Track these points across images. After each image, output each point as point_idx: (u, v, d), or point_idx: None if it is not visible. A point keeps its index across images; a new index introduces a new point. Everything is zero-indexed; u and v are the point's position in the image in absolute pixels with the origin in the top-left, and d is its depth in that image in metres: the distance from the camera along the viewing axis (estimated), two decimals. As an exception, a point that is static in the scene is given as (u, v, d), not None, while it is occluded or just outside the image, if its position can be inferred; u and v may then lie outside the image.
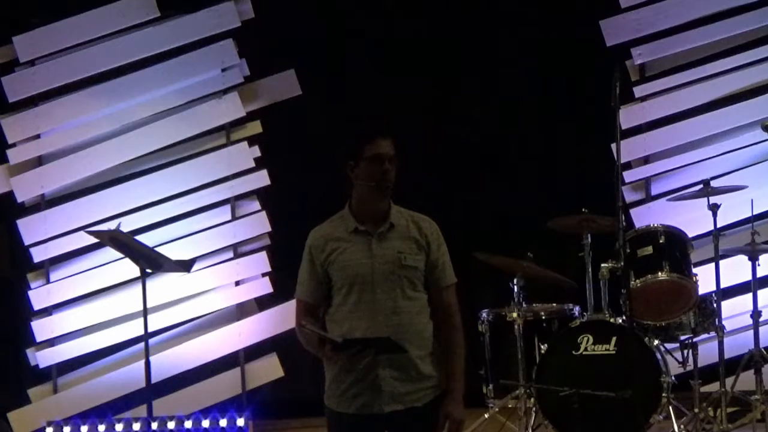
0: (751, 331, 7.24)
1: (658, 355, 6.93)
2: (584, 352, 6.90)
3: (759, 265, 7.21)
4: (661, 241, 7.13)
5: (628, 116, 8.20)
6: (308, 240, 4.62)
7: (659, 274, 7.06)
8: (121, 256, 7.43)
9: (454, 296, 4.61)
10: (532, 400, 7.04)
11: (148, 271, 7.09)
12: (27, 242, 8.39)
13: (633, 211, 8.22)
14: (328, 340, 4.42)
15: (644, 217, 8.14)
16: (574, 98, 8.51)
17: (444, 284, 4.59)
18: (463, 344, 4.58)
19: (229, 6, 8.41)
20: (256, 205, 8.46)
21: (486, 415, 7.26)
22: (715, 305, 7.21)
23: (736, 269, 7.62)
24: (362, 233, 4.53)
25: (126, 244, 7.08)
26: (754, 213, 7.32)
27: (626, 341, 6.67)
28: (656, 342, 7.05)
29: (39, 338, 8.36)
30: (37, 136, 8.48)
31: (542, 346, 7.05)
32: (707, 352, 7.52)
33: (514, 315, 7.19)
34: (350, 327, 4.49)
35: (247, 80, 8.49)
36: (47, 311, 8.38)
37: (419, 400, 4.51)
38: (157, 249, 7.43)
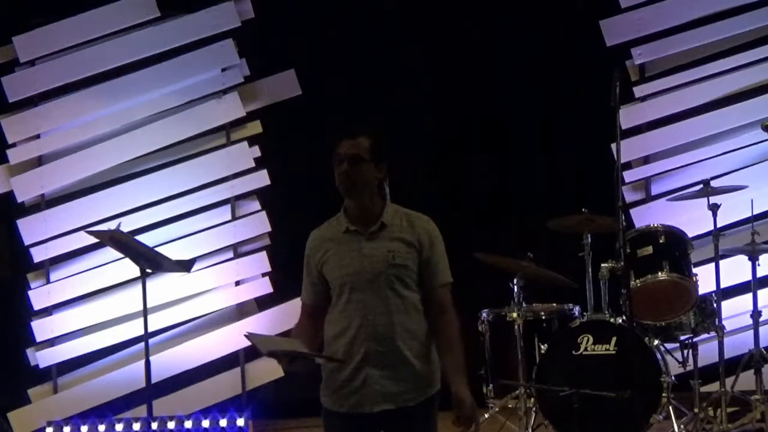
0: (751, 331, 7.24)
1: (658, 355, 6.93)
2: (584, 352, 6.89)
3: (759, 265, 7.21)
4: (661, 241, 7.13)
5: (628, 116, 8.20)
6: (307, 242, 4.63)
7: (659, 274, 7.06)
8: (121, 256, 7.43)
9: (449, 295, 4.56)
10: (532, 400, 7.04)
11: (148, 271, 7.08)
12: (27, 242, 8.39)
13: (633, 211, 8.22)
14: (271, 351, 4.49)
15: (644, 217, 8.13)
16: (574, 98, 8.51)
17: (438, 283, 4.54)
18: (460, 338, 4.52)
19: (229, 6, 8.40)
20: (256, 205, 8.46)
21: (486, 415, 7.25)
22: (715, 305, 7.21)
23: (736, 269, 7.62)
24: (353, 233, 4.52)
25: (126, 244, 7.07)
26: (754, 213, 7.32)
27: (626, 341, 6.67)
28: (656, 342, 7.05)
29: (39, 338, 8.36)
30: (37, 136, 8.48)
31: (542, 346, 7.04)
32: (707, 352, 7.52)
33: (514, 315, 7.18)
34: (343, 326, 4.49)
35: (247, 80, 8.48)
36: (47, 311, 8.38)
37: (412, 400, 4.49)
38: (157, 249, 7.42)
